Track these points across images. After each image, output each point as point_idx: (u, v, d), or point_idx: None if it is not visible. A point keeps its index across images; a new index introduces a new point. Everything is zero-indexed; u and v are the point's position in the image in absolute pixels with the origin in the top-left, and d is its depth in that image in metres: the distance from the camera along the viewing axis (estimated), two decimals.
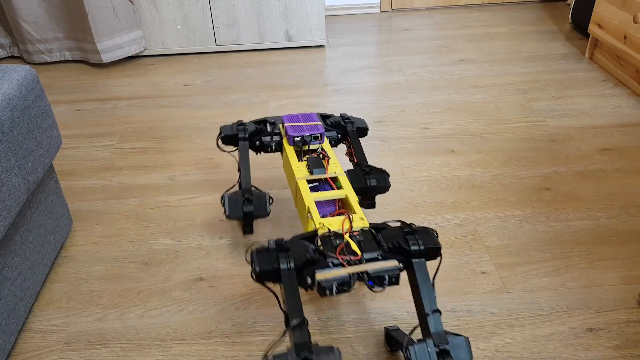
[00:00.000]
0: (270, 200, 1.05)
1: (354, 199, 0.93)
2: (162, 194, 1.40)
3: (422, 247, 0.79)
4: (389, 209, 1.30)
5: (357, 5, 2.71)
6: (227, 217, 1.03)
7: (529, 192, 1.34)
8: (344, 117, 1.19)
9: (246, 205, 1.03)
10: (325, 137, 1.12)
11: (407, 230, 0.82)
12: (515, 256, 1.15)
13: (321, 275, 0.76)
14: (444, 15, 2.65)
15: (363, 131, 1.19)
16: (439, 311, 0.77)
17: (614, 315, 1.01)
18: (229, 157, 1.53)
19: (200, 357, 0.96)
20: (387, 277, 0.77)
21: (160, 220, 1.30)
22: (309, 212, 0.90)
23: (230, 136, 1.15)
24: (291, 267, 0.77)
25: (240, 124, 1.16)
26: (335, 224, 0.85)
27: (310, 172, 1.00)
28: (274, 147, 1.15)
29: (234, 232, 1.25)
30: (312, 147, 1.09)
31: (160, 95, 1.94)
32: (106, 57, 2.11)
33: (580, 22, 2.26)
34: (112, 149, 1.61)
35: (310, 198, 0.93)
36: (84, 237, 1.26)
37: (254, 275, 0.77)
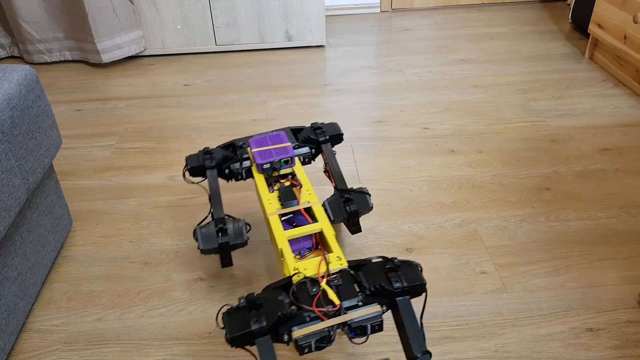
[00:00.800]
0: (247, 228, 0.98)
1: (329, 233, 0.87)
2: (162, 194, 1.40)
3: (405, 285, 0.74)
4: (389, 209, 1.30)
5: (357, 5, 2.71)
6: (201, 251, 0.94)
7: (529, 192, 1.34)
8: (314, 127, 1.12)
9: (221, 236, 0.94)
10: (296, 159, 1.05)
11: (389, 266, 0.77)
12: (515, 256, 1.15)
13: (298, 332, 0.70)
14: (444, 15, 2.65)
15: (337, 138, 1.11)
16: (428, 353, 0.72)
17: (614, 315, 1.00)
18: None
19: (200, 357, 0.96)
20: (369, 326, 0.72)
21: (160, 220, 1.30)
22: (282, 255, 0.84)
23: (196, 167, 1.06)
24: (264, 328, 0.70)
25: (206, 152, 1.08)
26: (311, 267, 0.79)
27: (282, 205, 0.94)
28: (244, 175, 1.06)
29: None
30: (283, 172, 1.03)
31: (160, 95, 1.94)
32: (106, 57, 2.11)
33: (580, 22, 2.26)
34: (112, 149, 1.61)
35: (284, 238, 0.86)
36: (84, 237, 1.26)
37: (227, 342, 0.71)
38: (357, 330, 0.73)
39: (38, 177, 1.00)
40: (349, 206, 0.98)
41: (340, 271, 0.79)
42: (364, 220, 1.27)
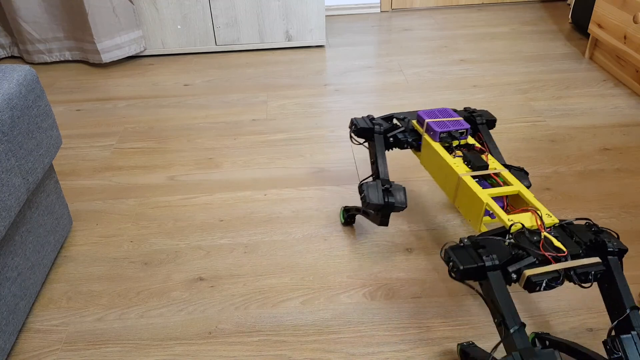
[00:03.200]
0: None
1: (529, 194, 0.91)
2: (162, 194, 1.40)
3: (616, 246, 0.79)
4: None
5: (357, 5, 2.71)
6: (367, 204, 1.00)
7: None
8: (468, 110, 1.17)
9: (387, 196, 1.01)
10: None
11: (595, 229, 0.82)
12: None
13: (531, 271, 0.75)
14: (444, 15, 2.65)
15: (492, 123, 1.16)
16: (637, 308, 0.77)
17: None
18: (229, 158, 1.53)
19: (200, 357, 0.96)
20: (593, 273, 0.76)
21: (160, 220, 1.30)
22: (490, 208, 0.88)
23: (365, 129, 1.13)
24: (497, 265, 0.76)
25: (372, 118, 1.15)
26: (524, 220, 0.84)
27: (472, 168, 0.98)
28: (410, 143, 1.13)
29: (234, 232, 1.25)
30: (455, 142, 1.07)
31: (160, 95, 1.94)
32: (106, 57, 2.11)
33: (580, 22, 2.26)
34: (112, 149, 1.61)
35: (487, 195, 0.90)
36: (84, 237, 1.26)
37: (453, 274, 0.77)
38: (582, 277, 0.77)
39: (38, 177, 1.00)
40: None
41: (554, 226, 0.83)
42: (367, 220, 1.27)
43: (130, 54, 2.18)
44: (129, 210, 1.34)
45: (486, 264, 0.76)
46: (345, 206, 1.25)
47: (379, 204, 1.00)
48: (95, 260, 1.19)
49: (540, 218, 0.84)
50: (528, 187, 1.02)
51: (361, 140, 1.14)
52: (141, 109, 1.84)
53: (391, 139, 1.13)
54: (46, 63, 2.23)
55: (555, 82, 1.91)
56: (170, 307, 1.06)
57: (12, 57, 2.28)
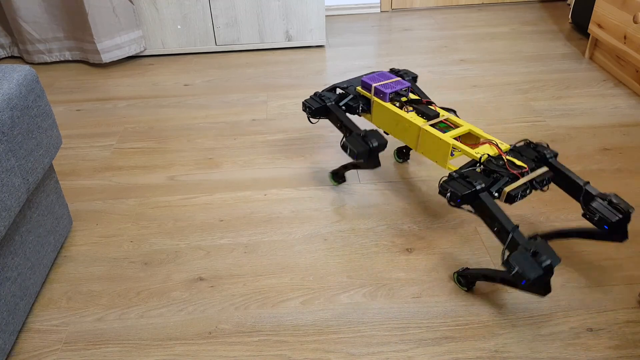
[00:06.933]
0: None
1: (478, 130, 1.10)
2: (162, 194, 1.40)
3: (552, 151, 1.03)
4: (389, 209, 1.30)
5: (357, 5, 2.71)
6: (355, 156, 1.11)
7: None
8: (394, 71, 1.33)
9: (368, 141, 1.12)
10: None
11: (533, 145, 1.04)
12: None
13: (509, 187, 0.95)
14: (444, 15, 2.65)
15: (416, 79, 1.33)
16: (587, 182, 0.99)
17: (614, 315, 1.00)
18: (229, 158, 1.53)
19: (200, 357, 0.96)
20: (547, 178, 0.98)
21: (160, 220, 1.30)
22: (457, 148, 1.05)
23: (319, 108, 1.25)
24: (485, 187, 0.94)
25: (320, 95, 1.27)
26: (486, 151, 1.04)
27: (426, 119, 1.14)
28: (360, 109, 1.25)
29: (234, 232, 1.25)
30: (404, 99, 1.22)
31: (160, 95, 1.94)
32: (106, 57, 2.11)
33: (580, 22, 2.26)
34: (112, 149, 1.61)
35: (449, 137, 1.07)
36: (84, 237, 1.26)
37: (452, 202, 0.94)
38: (541, 184, 0.97)
39: (38, 177, 1.00)
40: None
41: (508, 150, 1.05)
42: (367, 220, 1.27)
43: (130, 54, 2.18)
44: (129, 210, 1.34)
45: (477, 187, 0.94)
46: (332, 170, 1.39)
47: (365, 150, 1.11)
48: (95, 260, 1.19)
49: (497, 146, 1.03)
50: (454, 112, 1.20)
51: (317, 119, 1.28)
52: (141, 109, 1.84)
53: (343, 107, 1.25)
54: (46, 63, 2.23)
55: (555, 82, 1.91)
56: (170, 307, 1.06)
57: (12, 57, 2.28)
